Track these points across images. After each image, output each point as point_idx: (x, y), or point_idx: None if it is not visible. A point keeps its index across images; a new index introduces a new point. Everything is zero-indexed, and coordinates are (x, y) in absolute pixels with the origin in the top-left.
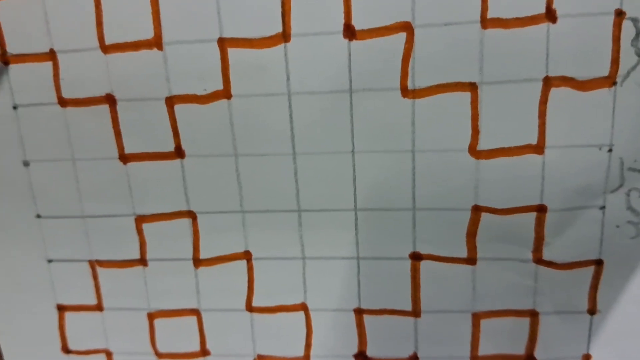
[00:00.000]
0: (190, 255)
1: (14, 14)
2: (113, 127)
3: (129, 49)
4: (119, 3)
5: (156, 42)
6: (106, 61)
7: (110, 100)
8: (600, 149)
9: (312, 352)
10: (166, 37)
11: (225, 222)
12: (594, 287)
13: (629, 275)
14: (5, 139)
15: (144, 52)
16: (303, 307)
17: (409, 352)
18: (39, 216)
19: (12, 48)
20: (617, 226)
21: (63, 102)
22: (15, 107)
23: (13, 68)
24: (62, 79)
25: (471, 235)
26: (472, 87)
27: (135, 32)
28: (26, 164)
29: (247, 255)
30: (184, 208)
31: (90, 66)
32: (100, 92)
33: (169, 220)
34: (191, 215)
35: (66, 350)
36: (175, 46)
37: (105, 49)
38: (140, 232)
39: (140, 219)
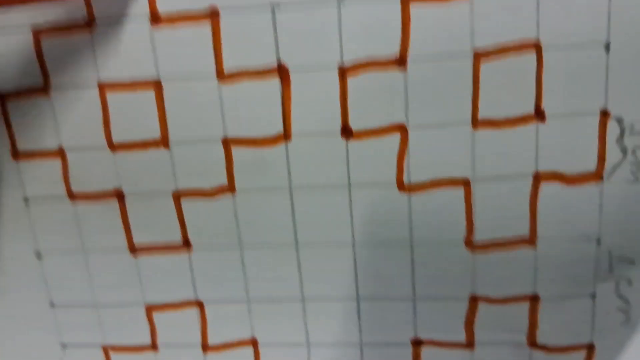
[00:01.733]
0: (199, 341)
1: (24, 113)
2: (122, 220)
3: (137, 147)
4: (125, 104)
5: (163, 142)
6: (114, 158)
7: (118, 194)
8: (589, 240)
9: None
10: (172, 136)
11: (231, 310)
12: None
13: (619, 359)
14: (18, 230)
15: (151, 151)
16: None
17: None
18: (52, 304)
19: (22, 145)
20: (608, 312)
21: (72, 196)
22: (26, 200)
23: (23, 163)
24: (71, 175)
25: (469, 322)
26: (465, 182)
27: (142, 132)
28: (38, 255)
29: (253, 342)
30: (192, 297)
31: (98, 163)
32: (109, 186)
33: (178, 309)
34: (199, 304)
35: None
36: (182, 145)
37: (113, 147)
38: (150, 319)
39: (150, 308)
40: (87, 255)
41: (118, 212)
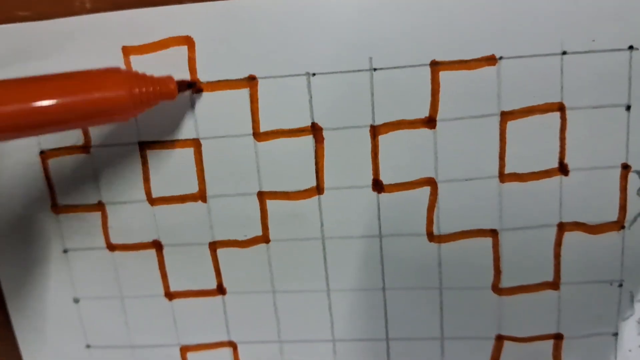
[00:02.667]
0: None
1: (65, 169)
2: (159, 269)
3: (175, 201)
4: (165, 162)
5: (201, 196)
6: (153, 212)
7: (157, 245)
8: (611, 284)
9: None
10: (210, 191)
11: (263, 351)
12: None
13: None
14: (57, 278)
15: (189, 204)
16: None
17: None
18: (88, 346)
19: (62, 199)
20: (630, 350)
21: (112, 247)
22: (65, 251)
23: (62, 217)
24: (110, 227)
25: None
26: (493, 233)
27: (180, 187)
28: (76, 300)
29: None
30: (225, 339)
31: (137, 216)
32: (148, 238)
33: (212, 350)
34: (232, 345)
35: None
36: (218, 199)
37: (152, 201)
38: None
39: (185, 349)
40: (124, 301)
41: (156, 261)
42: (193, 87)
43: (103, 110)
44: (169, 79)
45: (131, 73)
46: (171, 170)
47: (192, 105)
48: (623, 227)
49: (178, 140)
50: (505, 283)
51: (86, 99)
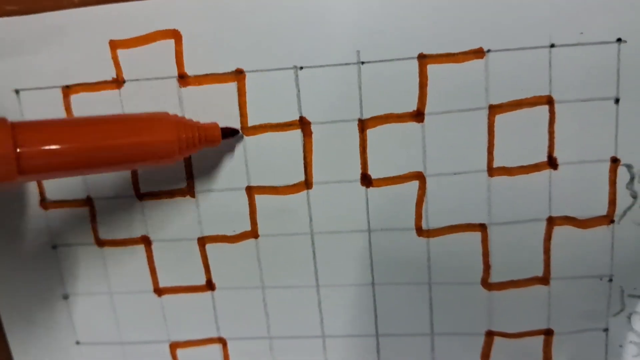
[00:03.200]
0: None
1: None
2: (148, 265)
3: (164, 197)
4: None
5: (189, 191)
6: (142, 207)
7: (145, 241)
8: (601, 279)
9: None
10: (198, 186)
11: (253, 347)
12: None
13: None
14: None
15: (177, 199)
16: None
17: None
18: (78, 343)
19: (51, 195)
20: (620, 346)
21: (100, 243)
22: (54, 247)
23: (51, 212)
24: (99, 223)
25: (485, 356)
26: (482, 227)
27: (168, 183)
28: (65, 297)
29: None
30: (214, 335)
31: (126, 211)
32: (136, 234)
33: (201, 346)
34: (221, 341)
35: None
36: (207, 194)
37: (141, 196)
38: (174, 356)
39: (174, 345)
40: (113, 297)
41: (145, 257)
42: (237, 134)
43: (151, 156)
44: (214, 126)
45: (179, 120)
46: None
47: (180, 100)
48: (613, 221)
49: None
50: (494, 278)
51: (136, 144)
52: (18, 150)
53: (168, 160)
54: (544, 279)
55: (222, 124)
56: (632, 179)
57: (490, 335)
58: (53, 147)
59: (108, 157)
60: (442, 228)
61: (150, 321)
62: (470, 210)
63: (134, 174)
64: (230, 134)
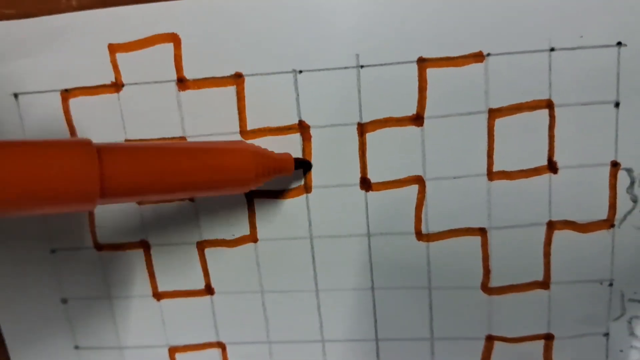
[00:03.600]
0: None
1: None
2: (147, 269)
3: (162, 200)
4: None
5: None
6: (140, 211)
7: (144, 245)
8: (601, 283)
9: None
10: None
11: (252, 352)
12: None
13: None
14: (44, 279)
15: (176, 203)
16: None
17: None
18: (77, 347)
19: None
20: (621, 351)
21: (99, 247)
22: (53, 251)
23: (49, 216)
24: (97, 227)
25: None
26: (482, 231)
27: None
28: (64, 301)
29: None
30: (213, 339)
31: (124, 215)
32: (135, 238)
33: (200, 351)
34: (221, 346)
35: None
36: (206, 198)
37: (140, 201)
38: None
39: (173, 350)
40: (112, 301)
41: (143, 261)
42: (308, 165)
43: (229, 184)
44: (288, 157)
45: (256, 150)
46: None
47: (179, 104)
48: (613, 225)
49: (164, 139)
50: (494, 282)
51: (216, 172)
52: (103, 173)
53: (243, 188)
54: (544, 284)
55: (221, 128)
56: (632, 183)
57: (490, 340)
58: (136, 171)
59: (188, 184)
60: (442, 232)
61: (149, 326)
62: (470, 215)
63: None
64: (302, 165)
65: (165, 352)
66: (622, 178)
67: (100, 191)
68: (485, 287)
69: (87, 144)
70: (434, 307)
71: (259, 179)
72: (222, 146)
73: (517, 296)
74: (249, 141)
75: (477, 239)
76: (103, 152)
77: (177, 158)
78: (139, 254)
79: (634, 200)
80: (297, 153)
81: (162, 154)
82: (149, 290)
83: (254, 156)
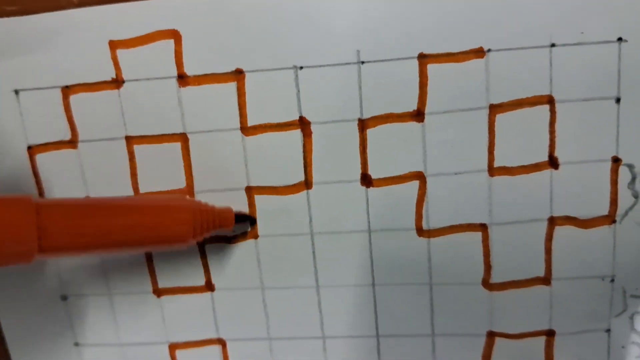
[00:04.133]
0: None
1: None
2: (147, 265)
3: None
4: (152, 157)
5: (188, 191)
6: None
7: None
8: (603, 279)
9: None
10: (197, 186)
11: (253, 348)
12: None
13: None
14: (44, 276)
15: None
16: None
17: None
18: (77, 344)
19: (49, 195)
20: (623, 347)
21: None
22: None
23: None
24: None
25: (486, 357)
26: (483, 227)
27: (168, 182)
28: (64, 298)
29: None
30: (214, 336)
31: None
32: None
33: (201, 347)
34: (221, 342)
35: None
36: (206, 194)
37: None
38: (173, 358)
39: (173, 346)
40: (112, 298)
41: (143, 257)
42: (249, 219)
43: (166, 240)
44: (228, 211)
45: (195, 206)
46: (158, 165)
47: (179, 100)
48: (614, 221)
49: (165, 135)
50: (495, 278)
51: (153, 230)
52: (41, 229)
53: (182, 245)
54: (546, 280)
55: (222, 124)
56: (633, 178)
57: (491, 336)
58: (74, 228)
59: (125, 241)
60: (443, 228)
61: (149, 322)
62: (471, 211)
63: (133, 173)
64: (243, 219)
65: (165, 349)
66: (624, 174)
67: (38, 247)
68: (487, 283)
69: (26, 200)
70: (435, 303)
71: (197, 236)
72: (161, 203)
73: (518, 292)
74: (247, 138)
75: (478, 235)
76: (42, 208)
77: (115, 215)
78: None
79: (635, 196)
80: (298, 149)
81: (100, 211)
82: (149, 287)
83: (193, 213)
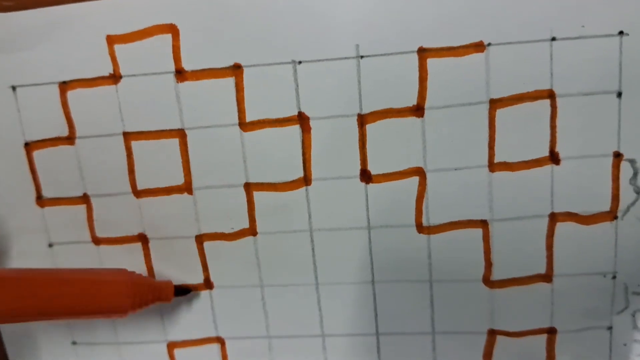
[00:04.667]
0: None
1: (49, 161)
2: (145, 263)
3: (161, 193)
4: (150, 153)
5: (186, 188)
6: (138, 204)
7: (142, 239)
8: (604, 276)
9: None
10: (196, 182)
11: (252, 346)
12: None
13: None
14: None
15: (175, 196)
16: None
17: None
18: (74, 343)
19: (47, 192)
20: (625, 344)
21: (97, 240)
22: (50, 245)
23: (47, 210)
24: (95, 220)
25: (487, 355)
26: (483, 223)
27: (166, 179)
28: None
29: None
30: (212, 334)
31: (123, 208)
32: (133, 231)
33: (199, 346)
34: (220, 341)
35: None
36: (205, 190)
37: (138, 193)
38: (172, 356)
39: (172, 345)
40: None
41: (142, 255)
42: (188, 293)
43: (105, 313)
44: (168, 285)
45: (134, 281)
46: (156, 161)
47: (177, 95)
48: (616, 217)
49: (163, 131)
50: (496, 275)
51: (91, 304)
52: None
53: (120, 315)
54: (547, 277)
55: (220, 119)
56: (635, 174)
57: (492, 334)
58: (12, 299)
59: (65, 312)
60: (443, 225)
61: (147, 320)
62: (472, 207)
63: (131, 169)
64: (182, 293)
65: (163, 348)
66: (625, 169)
67: None
68: (487, 280)
69: None
70: (435, 300)
71: (135, 308)
72: (100, 277)
73: (519, 289)
74: (246, 133)
75: (479, 231)
76: None
77: (54, 288)
78: (137, 248)
79: (637, 192)
80: (297, 145)
81: (39, 284)
82: None
83: (131, 287)
